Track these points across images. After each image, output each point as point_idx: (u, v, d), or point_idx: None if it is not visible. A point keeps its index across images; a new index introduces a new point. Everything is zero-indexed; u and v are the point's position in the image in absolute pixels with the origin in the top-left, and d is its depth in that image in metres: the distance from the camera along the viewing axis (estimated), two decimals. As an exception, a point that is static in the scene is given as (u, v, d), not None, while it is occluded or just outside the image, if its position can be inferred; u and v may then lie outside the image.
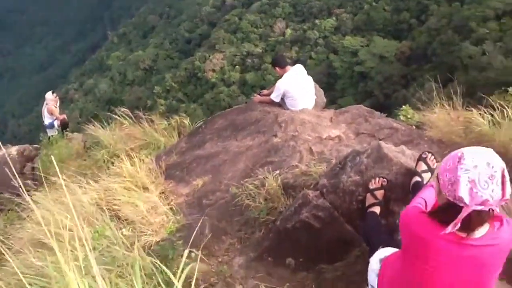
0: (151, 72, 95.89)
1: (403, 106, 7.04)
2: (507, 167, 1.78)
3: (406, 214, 2.08)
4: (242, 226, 4.01)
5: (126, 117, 9.06)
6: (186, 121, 8.57)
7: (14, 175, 8.35)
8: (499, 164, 1.76)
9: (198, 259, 2.50)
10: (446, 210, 1.85)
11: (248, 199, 3.96)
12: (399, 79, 60.74)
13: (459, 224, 1.77)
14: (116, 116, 9.12)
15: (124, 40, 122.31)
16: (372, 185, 3.15)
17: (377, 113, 6.39)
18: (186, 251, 2.11)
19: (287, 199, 3.84)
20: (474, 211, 1.75)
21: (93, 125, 9.21)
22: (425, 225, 1.93)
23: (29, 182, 8.10)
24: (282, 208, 3.78)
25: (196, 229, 3.18)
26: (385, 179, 3.13)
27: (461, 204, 1.76)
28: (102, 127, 9.21)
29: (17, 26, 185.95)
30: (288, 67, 7.03)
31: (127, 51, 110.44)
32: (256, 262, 3.61)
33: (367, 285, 2.50)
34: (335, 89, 65.70)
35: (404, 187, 3.13)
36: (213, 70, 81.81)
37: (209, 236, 3.78)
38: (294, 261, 3.43)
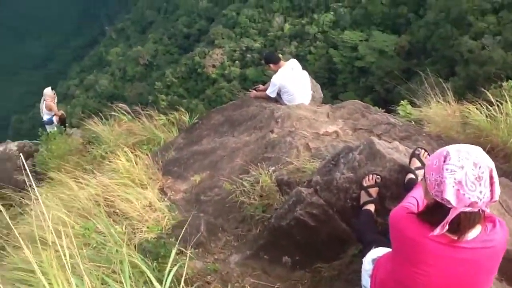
0: (151, 67, 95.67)
1: (402, 102, 7.05)
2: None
3: (394, 214, 2.04)
4: (239, 224, 4.01)
5: (125, 113, 9.08)
6: (185, 117, 8.58)
7: (15, 170, 8.40)
8: (487, 164, 1.70)
9: (187, 257, 2.50)
10: (434, 211, 1.81)
11: (243, 196, 3.97)
12: (400, 73, 60.58)
13: (447, 226, 1.73)
14: (115, 113, 9.15)
15: (122, 35, 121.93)
16: (365, 182, 3.13)
17: (374, 108, 6.40)
18: (174, 250, 2.11)
19: (282, 196, 3.84)
20: (462, 212, 1.71)
21: (93, 121, 9.24)
22: (414, 226, 1.88)
23: (30, 177, 8.11)
24: (277, 205, 3.78)
25: (186, 226, 3.17)
26: (378, 176, 3.11)
27: (449, 206, 1.71)
28: (102, 123, 9.22)
29: (13, 22, 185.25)
30: (282, 62, 7.03)
31: (126, 47, 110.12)
32: (253, 260, 3.61)
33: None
34: (336, 84, 65.60)
35: (398, 184, 3.10)
36: (213, 66, 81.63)
37: (204, 233, 3.79)
38: (290, 259, 3.44)
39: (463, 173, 1.68)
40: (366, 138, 5.11)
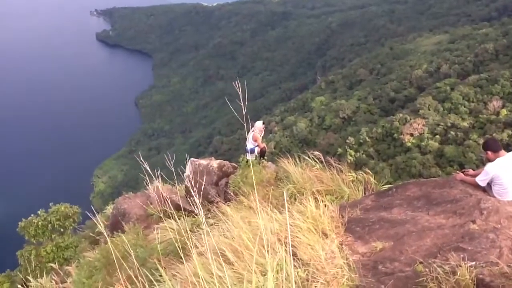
0: (349, 122, 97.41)
1: None
2: None
3: None
4: (419, 309, 3.70)
5: (317, 160, 9.34)
6: (373, 179, 8.44)
7: (211, 184, 9.32)
8: None
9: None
10: None
11: (434, 283, 3.65)
12: None
13: None
14: (308, 158, 9.48)
15: (330, 87, 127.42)
16: None
17: None
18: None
19: (478, 298, 3.43)
20: None
21: (286, 160, 9.73)
22: None
23: (222, 194, 8.90)
24: (470, 306, 3.38)
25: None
26: None
27: None
28: (294, 164, 9.65)
29: (242, 58, 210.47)
30: (503, 152, 6.39)
31: (331, 98, 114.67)
32: None
33: None
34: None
35: None
36: (411, 134, 79.10)
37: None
38: None
39: None
40: None
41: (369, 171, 8.84)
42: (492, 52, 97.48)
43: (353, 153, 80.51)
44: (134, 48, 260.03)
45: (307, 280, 3.83)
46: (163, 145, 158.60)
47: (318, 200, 5.93)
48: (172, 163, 5.67)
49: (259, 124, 11.89)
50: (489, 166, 6.27)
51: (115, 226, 12.13)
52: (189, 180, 11.99)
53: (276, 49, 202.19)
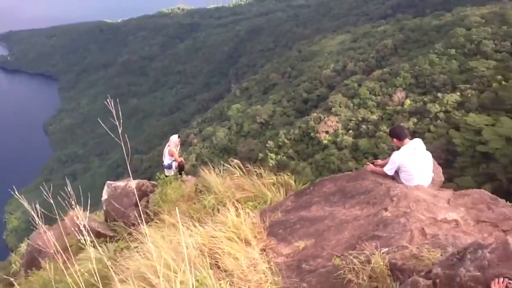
0: (267, 126, 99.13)
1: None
2: None
3: None
4: (342, 301, 3.81)
5: (237, 167, 9.36)
6: (292, 180, 8.61)
7: (130, 206, 8.98)
8: None
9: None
10: None
11: (351, 274, 3.77)
12: (528, 165, 55.54)
13: None
14: (228, 166, 9.47)
15: (245, 94, 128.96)
16: (494, 285, 2.80)
17: (502, 201, 5.84)
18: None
19: (393, 281, 3.58)
20: None
21: (206, 170, 9.65)
22: None
23: (143, 215, 8.63)
24: (387, 290, 3.53)
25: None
26: (510, 281, 2.77)
27: None
28: (213, 174, 9.59)
29: (154, 73, 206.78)
30: (407, 140, 6.78)
31: (247, 105, 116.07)
32: None
33: None
34: (453, 167, 61.88)
35: (534, 294, 2.74)
36: (327, 132, 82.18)
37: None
38: None
39: None
40: (491, 233, 4.67)
41: (289, 173, 9.01)
42: (391, 47, 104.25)
43: (274, 156, 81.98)
44: (37, 72, 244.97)
45: (233, 291, 3.80)
46: (79, 171, 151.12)
47: (239, 208, 5.93)
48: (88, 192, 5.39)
49: (174, 138, 11.71)
50: (394, 156, 6.62)
51: (31, 263, 11.32)
52: (107, 205, 11.53)
53: (187, 61, 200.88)
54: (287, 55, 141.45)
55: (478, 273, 2.91)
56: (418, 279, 3.15)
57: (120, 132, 2.46)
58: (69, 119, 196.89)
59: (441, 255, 3.50)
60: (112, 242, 9.58)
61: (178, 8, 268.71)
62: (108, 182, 12.27)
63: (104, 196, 11.92)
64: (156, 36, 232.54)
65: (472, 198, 5.72)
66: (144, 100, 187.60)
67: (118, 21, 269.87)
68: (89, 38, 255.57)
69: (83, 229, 9.75)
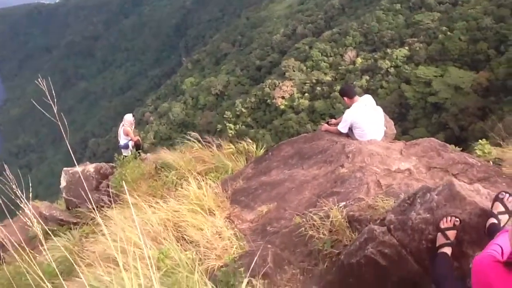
0: (222, 97, 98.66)
1: (480, 141, 6.70)
2: None
3: (480, 261, 1.97)
4: (305, 257, 3.94)
5: (196, 141, 9.32)
6: (253, 147, 8.68)
7: (91, 190, 8.84)
8: None
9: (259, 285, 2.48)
10: None
11: (312, 230, 3.91)
12: (475, 111, 58.04)
13: None
14: (187, 140, 9.42)
15: (197, 66, 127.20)
16: (443, 224, 2.98)
17: (451, 146, 6.12)
18: (246, 280, 2.11)
19: (352, 232, 3.74)
20: None
21: (165, 147, 9.57)
22: (499, 275, 1.82)
23: (105, 198, 8.53)
24: (347, 241, 3.69)
25: (257, 257, 3.16)
26: (457, 219, 2.96)
27: None
28: (173, 150, 9.53)
29: (100, 53, 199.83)
30: (357, 98, 6.95)
31: (200, 77, 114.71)
32: (319, 296, 3.52)
33: None
34: (407, 120, 63.94)
35: (478, 228, 2.94)
36: (283, 97, 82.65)
37: (271, 265, 3.76)
38: (358, 298, 3.32)
39: None
40: (442, 177, 4.91)
41: (250, 140, 9.06)
42: (339, 7, 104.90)
43: (232, 126, 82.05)
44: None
45: (200, 260, 3.87)
46: (34, 161, 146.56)
47: (200, 180, 5.96)
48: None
49: (128, 117, 11.50)
50: (346, 114, 6.80)
51: (-6, 259, 11.03)
52: (67, 191, 11.29)
53: (134, 38, 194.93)
54: (235, 24, 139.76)
55: (428, 215, 3.09)
56: (373, 227, 3.31)
57: (55, 111, 2.39)
58: (16, 109, 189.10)
59: (394, 202, 3.68)
60: (76, 228, 9.45)
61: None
62: (65, 169, 11.97)
63: (63, 183, 11.63)
64: (98, 14, 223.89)
65: (423, 146, 5.95)
66: (93, 82, 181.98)
67: (56, 1, 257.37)
68: (28, 22, 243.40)
69: (46, 218, 9.53)
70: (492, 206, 3.00)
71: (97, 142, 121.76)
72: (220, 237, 4.22)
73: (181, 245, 4.31)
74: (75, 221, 10.58)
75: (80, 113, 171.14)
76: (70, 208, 11.61)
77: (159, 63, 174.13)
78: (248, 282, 3.16)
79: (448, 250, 2.87)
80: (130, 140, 11.43)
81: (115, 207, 7.79)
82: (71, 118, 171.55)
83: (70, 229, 9.45)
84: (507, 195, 3.01)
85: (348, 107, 6.91)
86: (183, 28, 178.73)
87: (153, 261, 2.55)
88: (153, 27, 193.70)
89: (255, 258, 3.52)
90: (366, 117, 6.74)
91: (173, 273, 3.27)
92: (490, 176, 4.89)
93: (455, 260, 2.87)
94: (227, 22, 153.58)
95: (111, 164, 12.30)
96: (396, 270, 3.12)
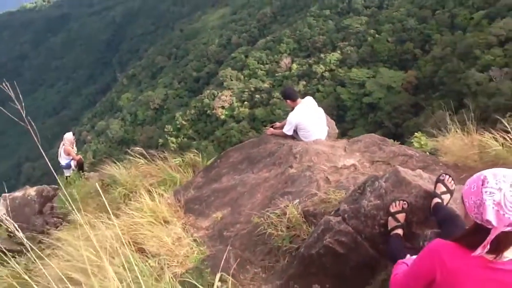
0: (162, 111, 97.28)
1: (416, 134, 7.15)
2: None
3: (433, 244, 2.06)
4: (265, 255, 4.06)
5: (140, 156, 9.21)
6: (199, 158, 8.71)
7: (34, 214, 8.49)
8: None
9: (230, 284, 2.56)
10: (475, 233, 1.87)
11: (271, 228, 4.03)
12: (408, 108, 61.07)
13: (488, 246, 1.78)
14: (130, 156, 9.28)
15: (133, 81, 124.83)
16: (393, 208, 3.21)
17: (390, 141, 6.49)
18: (218, 275, 2.18)
19: (308, 226, 3.90)
20: (502, 232, 1.77)
21: (108, 165, 9.37)
22: (451, 251, 1.93)
23: (51, 220, 8.23)
24: (304, 235, 3.84)
25: (223, 257, 3.23)
26: (405, 202, 3.20)
27: (489, 226, 1.78)
28: (117, 166, 9.35)
29: (29, 73, 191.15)
30: (299, 100, 7.19)
31: (137, 92, 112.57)
32: (283, 290, 3.64)
33: None
34: (345, 121, 66.08)
35: (424, 209, 3.20)
36: (222, 107, 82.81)
37: (234, 266, 3.84)
38: (320, 287, 3.47)
39: (501, 194, 1.76)
40: (385, 170, 5.20)
41: (195, 151, 9.07)
42: (271, 15, 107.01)
43: (174, 140, 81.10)
44: None
45: (162, 268, 3.88)
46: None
47: (151, 192, 5.93)
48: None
49: (68, 136, 11.17)
50: (290, 116, 7.01)
51: None
52: (6, 219, 10.75)
53: (64, 55, 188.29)
54: (169, 36, 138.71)
55: (378, 201, 3.31)
56: (329, 218, 3.49)
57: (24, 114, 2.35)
58: None
59: (346, 193, 3.89)
60: (21, 256, 9.05)
61: (44, 0, 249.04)
62: (3, 194, 11.41)
63: (2, 210, 11.09)
64: (24, 33, 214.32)
65: (364, 142, 6.26)
66: (24, 103, 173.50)
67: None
68: None
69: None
70: (435, 188, 3.27)
71: (32, 166, 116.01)
72: (180, 245, 4.24)
73: (141, 256, 4.29)
74: (19, 248, 10.12)
75: (13, 137, 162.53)
76: (12, 236, 11.08)
77: (93, 80, 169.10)
78: (211, 284, 3.22)
79: (399, 232, 3.10)
80: (72, 159, 11.09)
81: (63, 228, 7.56)
82: (3, 142, 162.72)
83: (15, 257, 9.03)
84: (447, 176, 3.30)
85: (292, 109, 7.12)
86: (115, 43, 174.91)
87: (114, 274, 2.56)
88: (84, 44, 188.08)
89: (218, 261, 3.58)
90: (309, 118, 6.99)
91: (138, 283, 3.26)
92: (429, 165, 5.25)
93: (407, 241, 3.09)
94: (161, 35, 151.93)
95: (53, 186, 11.87)
96: (353, 256, 3.31)
